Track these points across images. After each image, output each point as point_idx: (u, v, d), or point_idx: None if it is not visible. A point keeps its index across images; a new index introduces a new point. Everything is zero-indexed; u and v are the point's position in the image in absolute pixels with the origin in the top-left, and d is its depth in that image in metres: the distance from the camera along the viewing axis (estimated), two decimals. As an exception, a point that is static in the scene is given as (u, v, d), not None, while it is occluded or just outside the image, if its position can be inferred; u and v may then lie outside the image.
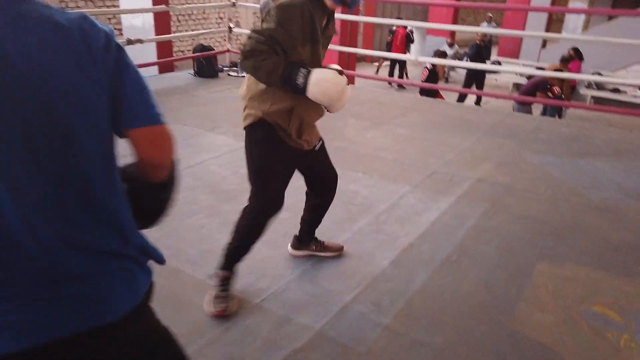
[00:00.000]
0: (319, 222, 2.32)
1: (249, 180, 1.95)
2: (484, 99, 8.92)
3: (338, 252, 2.40)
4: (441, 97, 7.27)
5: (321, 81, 1.70)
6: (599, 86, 9.60)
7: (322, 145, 2.10)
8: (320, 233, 2.45)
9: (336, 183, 2.19)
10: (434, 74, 7.55)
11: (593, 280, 2.34)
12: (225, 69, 6.49)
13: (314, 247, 2.38)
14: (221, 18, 12.10)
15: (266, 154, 1.89)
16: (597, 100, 9.53)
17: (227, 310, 1.96)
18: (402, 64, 10.48)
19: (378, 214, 2.89)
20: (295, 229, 2.39)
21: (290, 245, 2.42)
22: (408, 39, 10.39)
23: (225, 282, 2.03)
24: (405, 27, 10.15)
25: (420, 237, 2.65)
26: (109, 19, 9.79)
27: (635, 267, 2.47)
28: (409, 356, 1.83)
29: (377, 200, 3.06)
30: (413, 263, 2.42)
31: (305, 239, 2.37)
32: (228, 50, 6.78)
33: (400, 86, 9.80)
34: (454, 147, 4.09)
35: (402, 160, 3.75)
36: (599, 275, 2.38)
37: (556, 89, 5.99)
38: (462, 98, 8.41)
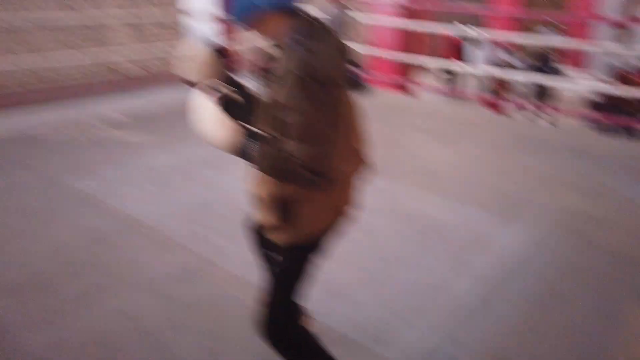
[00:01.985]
0: None
1: None
2: (551, 115, 8.56)
3: None
4: (501, 110, 7.06)
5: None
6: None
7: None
8: (386, 255, 2.38)
9: None
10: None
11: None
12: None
13: None
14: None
15: None
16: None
17: None
18: (457, 73, 10.32)
19: (450, 239, 2.81)
20: (370, 250, 2.33)
21: None
22: (463, 48, 10.25)
23: None
24: (462, 36, 9.97)
25: (497, 267, 2.56)
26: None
27: None
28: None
29: (447, 222, 2.98)
30: (489, 294, 2.33)
31: None
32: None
33: (459, 97, 9.59)
34: (530, 169, 3.92)
35: (472, 180, 3.65)
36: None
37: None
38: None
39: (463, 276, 2.48)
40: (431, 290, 2.35)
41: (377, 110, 5.30)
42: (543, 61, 8.49)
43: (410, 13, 7.73)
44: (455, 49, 10.41)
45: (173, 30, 10.46)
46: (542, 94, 8.48)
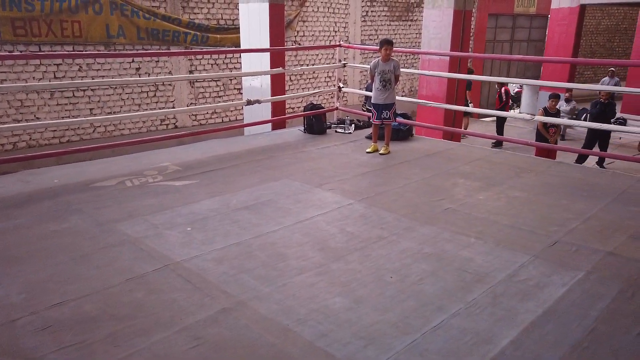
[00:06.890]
0: None
1: None
2: (607, 159, 8.19)
3: None
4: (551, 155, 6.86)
5: None
6: None
7: None
8: (429, 301, 2.31)
9: None
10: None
11: None
12: (332, 125, 6.69)
13: None
14: (330, 77, 12.68)
15: None
16: None
17: None
18: (502, 121, 10.37)
19: (494, 285, 2.68)
20: (404, 294, 2.29)
21: None
22: (509, 96, 10.36)
23: None
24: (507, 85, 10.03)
25: (544, 315, 2.40)
26: (231, 80, 10.73)
27: None
28: None
29: (492, 269, 2.86)
30: (536, 345, 2.18)
31: None
32: (337, 108, 7.01)
33: (500, 144, 9.53)
34: (579, 214, 3.74)
35: (519, 226, 3.50)
36: None
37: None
38: (581, 158, 7.81)
39: (499, 319, 2.35)
40: (465, 334, 2.23)
41: (421, 156, 5.28)
42: (601, 110, 8.22)
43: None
44: (506, 97, 10.35)
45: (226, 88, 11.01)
46: (597, 139, 8.18)
